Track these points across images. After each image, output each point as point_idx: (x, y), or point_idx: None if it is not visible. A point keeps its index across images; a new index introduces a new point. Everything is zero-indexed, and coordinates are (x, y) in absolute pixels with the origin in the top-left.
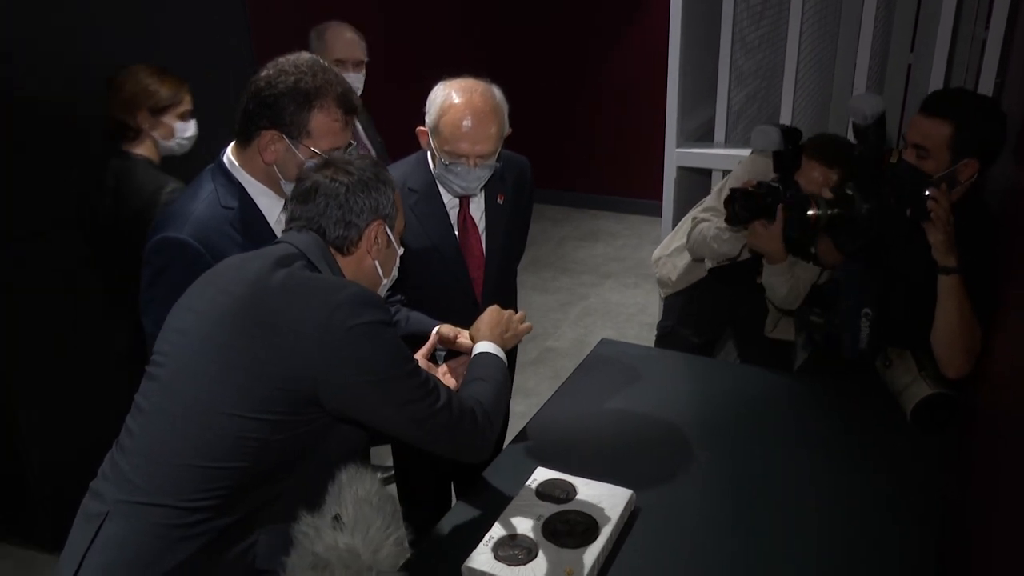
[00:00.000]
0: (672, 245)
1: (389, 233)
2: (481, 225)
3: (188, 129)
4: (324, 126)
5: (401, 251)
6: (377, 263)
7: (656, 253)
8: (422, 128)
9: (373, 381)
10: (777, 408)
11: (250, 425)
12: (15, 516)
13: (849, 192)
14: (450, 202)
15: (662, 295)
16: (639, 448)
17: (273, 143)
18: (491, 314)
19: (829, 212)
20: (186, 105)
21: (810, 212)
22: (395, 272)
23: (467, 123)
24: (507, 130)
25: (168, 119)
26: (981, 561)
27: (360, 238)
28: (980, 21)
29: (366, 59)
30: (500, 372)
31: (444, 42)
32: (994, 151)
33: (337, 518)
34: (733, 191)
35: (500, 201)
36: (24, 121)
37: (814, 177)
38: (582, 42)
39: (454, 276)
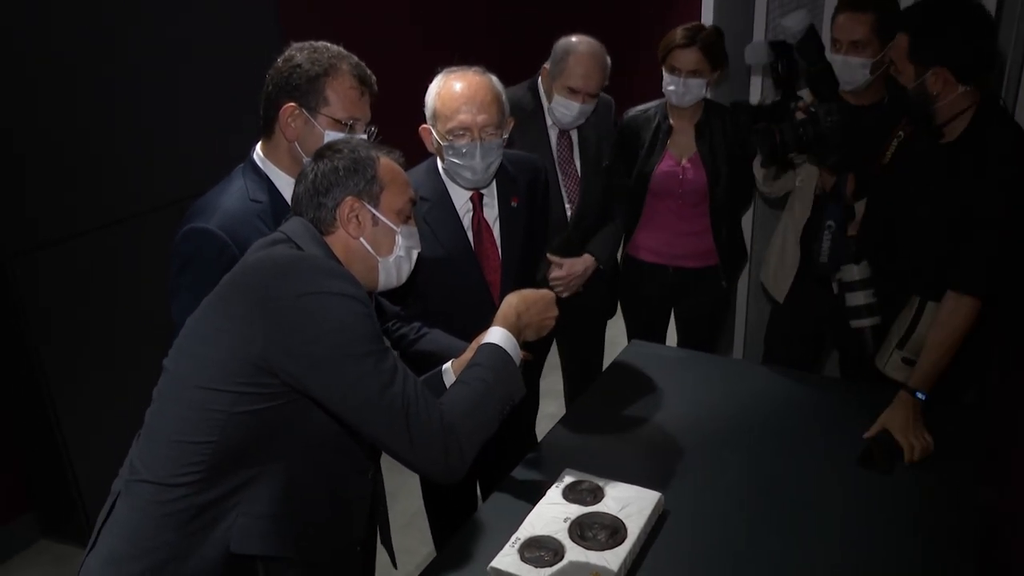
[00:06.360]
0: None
1: (372, 210)
2: (496, 229)
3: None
4: (340, 92)
5: (400, 229)
6: (364, 241)
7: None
8: (425, 126)
9: (321, 355)
10: (808, 411)
11: (213, 397)
12: (54, 513)
13: (813, 110)
14: (463, 207)
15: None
16: (668, 450)
17: (292, 118)
18: (526, 291)
19: (797, 134)
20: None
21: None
22: (398, 251)
23: (465, 92)
24: (509, 116)
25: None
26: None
27: (334, 218)
28: None
29: (598, 92)
30: (492, 372)
31: (463, 30)
32: (964, 57)
33: None
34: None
35: (514, 204)
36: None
37: (847, 27)
38: (612, 49)
39: (470, 282)
